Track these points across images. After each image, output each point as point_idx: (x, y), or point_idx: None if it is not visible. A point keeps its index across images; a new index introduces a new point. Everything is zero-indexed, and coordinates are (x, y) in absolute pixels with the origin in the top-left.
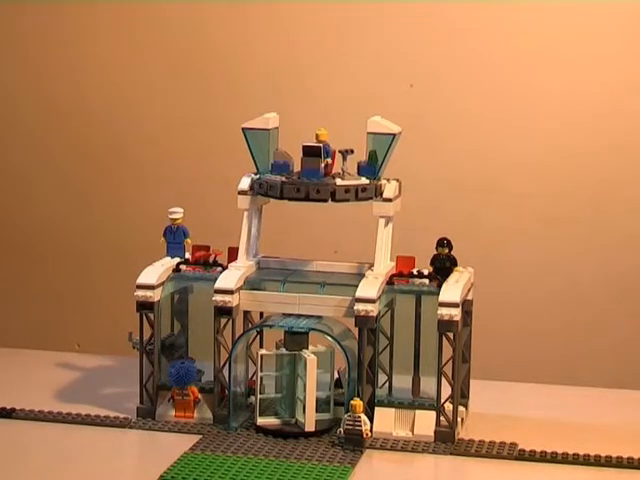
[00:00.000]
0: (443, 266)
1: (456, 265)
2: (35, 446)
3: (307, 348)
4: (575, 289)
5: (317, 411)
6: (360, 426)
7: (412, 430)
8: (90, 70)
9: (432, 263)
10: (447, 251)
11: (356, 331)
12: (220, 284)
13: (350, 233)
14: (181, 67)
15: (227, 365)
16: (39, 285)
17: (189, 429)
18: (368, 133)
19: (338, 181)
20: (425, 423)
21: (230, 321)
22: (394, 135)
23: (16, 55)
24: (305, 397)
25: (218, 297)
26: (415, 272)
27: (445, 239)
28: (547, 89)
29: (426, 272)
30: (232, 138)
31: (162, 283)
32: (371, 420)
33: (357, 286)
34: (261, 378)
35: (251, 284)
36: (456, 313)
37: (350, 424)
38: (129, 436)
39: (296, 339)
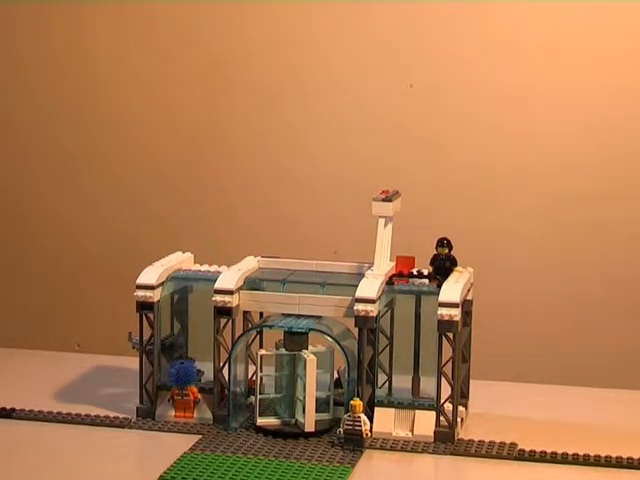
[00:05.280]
0: (443, 266)
1: (456, 265)
2: (35, 446)
3: (307, 348)
4: (575, 289)
5: (317, 411)
6: (360, 426)
7: (412, 430)
8: (90, 71)
9: (432, 263)
10: (447, 251)
11: (356, 331)
12: (220, 284)
13: (350, 233)
14: (182, 67)
15: (227, 365)
16: (39, 285)
17: (189, 429)
18: None
19: None
20: (425, 423)
21: (230, 321)
22: None
23: (17, 55)
24: (305, 397)
25: (218, 297)
26: (415, 272)
27: (445, 239)
28: (548, 90)
29: (426, 272)
30: (232, 138)
31: (162, 283)
32: (371, 420)
33: (357, 286)
34: (261, 378)
35: (251, 284)
36: (456, 313)
37: (350, 424)
38: (129, 436)
39: (296, 339)
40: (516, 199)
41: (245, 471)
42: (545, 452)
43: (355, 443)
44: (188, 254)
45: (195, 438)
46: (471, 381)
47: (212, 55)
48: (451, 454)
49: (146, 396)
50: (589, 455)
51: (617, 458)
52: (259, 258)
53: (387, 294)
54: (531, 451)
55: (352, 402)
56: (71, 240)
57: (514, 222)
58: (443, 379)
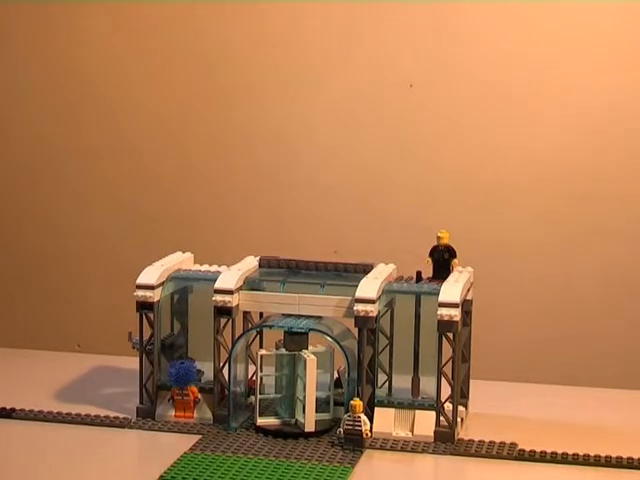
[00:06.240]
0: (442, 257)
1: (455, 256)
2: (35, 446)
3: (307, 348)
4: (575, 289)
5: (317, 411)
6: (360, 426)
7: (412, 430)
8: (88, 72)
9: (431, 254)
10: (444, 241)
11: (356, 331)
12: (220, 284)
13: (350, 233)
14: (181, 68)
15: (227, 365)
16: (39, 285)
17: (189, 429)
18: None
19: None
20: (425, 423)
21: (230, 321)
22: None
23: (16, 55)
24: (305, 397)
25: (218, 297)
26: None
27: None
28: (548, 90)
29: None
30: (232, 138)
31: (162, 283)
32: (371, 420)
33: (357, 286)
34: (261, 378)
35: (251, 284)
36: (456, 313)
37: (350, 424)
38: (129, 436)
39: (296, 339)
40: (516, 199)
41: (245, 471)
42: (545, 452)
43: (355, 443)
44: (188, 254)
45: (195, 438)
46: (471, 381)
47: (210, 57)
48: (451, 454)
49: (146, 396)
50: (589, 455)
51: (617, 458)
52: (259, 258)
53: (387, 294)
54: (531, 451)
55: (352, 402)
56: (71, 240)
57: (514, 222)
58: (443, 379)
